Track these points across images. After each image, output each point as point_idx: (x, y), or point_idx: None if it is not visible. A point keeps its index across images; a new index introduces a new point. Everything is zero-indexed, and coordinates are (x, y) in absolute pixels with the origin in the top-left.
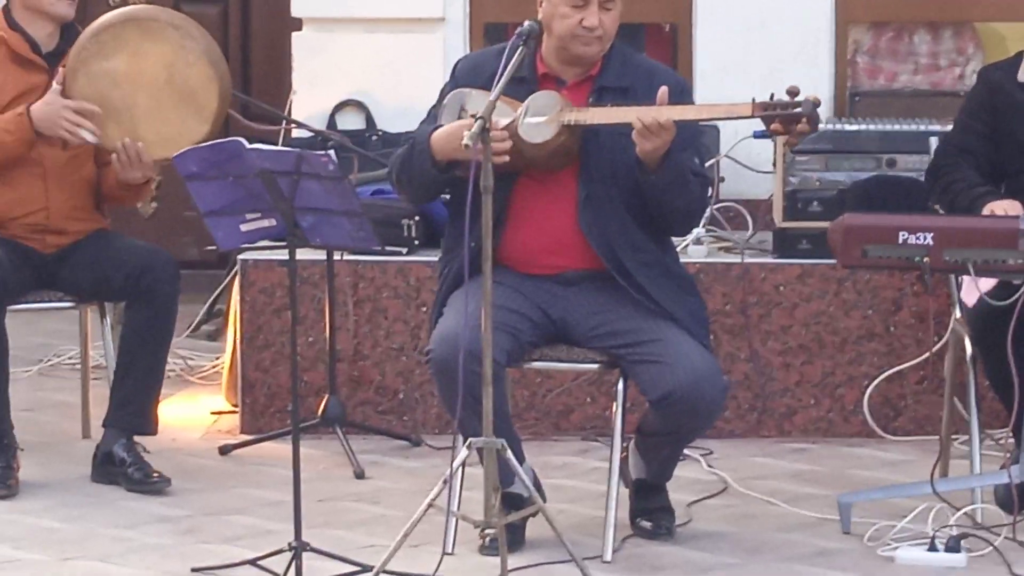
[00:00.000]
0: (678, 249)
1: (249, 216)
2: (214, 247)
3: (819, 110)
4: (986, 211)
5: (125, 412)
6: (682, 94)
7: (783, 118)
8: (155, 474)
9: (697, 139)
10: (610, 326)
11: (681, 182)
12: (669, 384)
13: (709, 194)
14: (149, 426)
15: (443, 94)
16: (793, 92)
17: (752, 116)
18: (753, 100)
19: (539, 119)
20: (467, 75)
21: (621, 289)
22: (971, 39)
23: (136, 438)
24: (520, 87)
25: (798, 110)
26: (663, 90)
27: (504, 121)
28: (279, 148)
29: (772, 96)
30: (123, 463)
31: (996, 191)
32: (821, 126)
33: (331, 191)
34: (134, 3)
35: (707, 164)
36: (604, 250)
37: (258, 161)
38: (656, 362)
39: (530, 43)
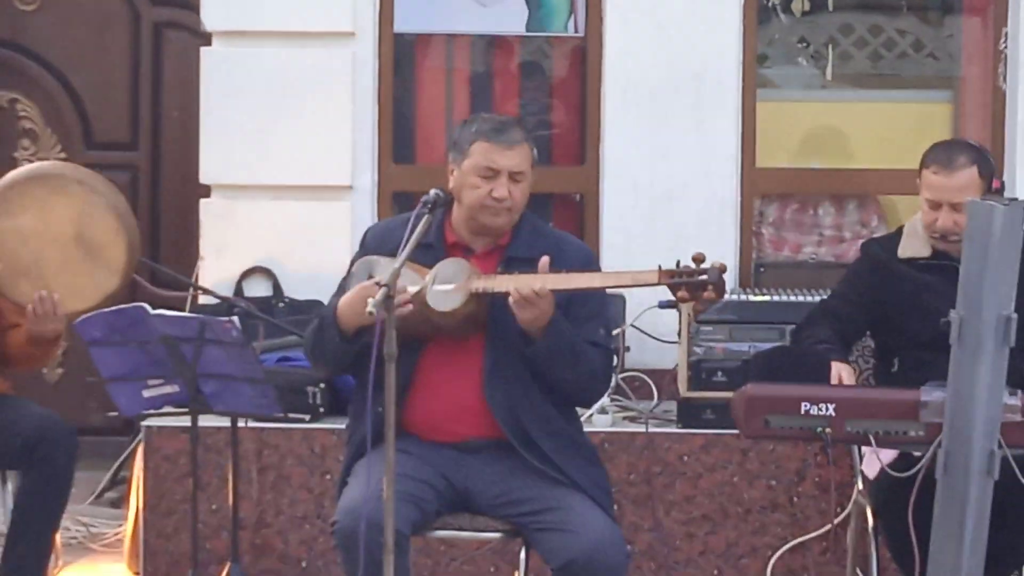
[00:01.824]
0: (583, 418)
1: (151, 382)
2: (117, 413)
3: (724, 278)
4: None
5: None
6: (588, 264)
7: (689, 285)
8: None
9: (603, 310)
10: (513, 494)
11: (567, 352)
12: (571, 551)
13: (614, 365)
14: None
15: (353, 264)
16: (699, 259)
17: (658, 283)
18: (659, 267)
19: (447, 287)
20: (376, 243)
21: (525, 457)
22: (875, 211)
23: None
24: (428, 254)
25: (704, 277)
26: (544, 259)
27: (412, 288)
28: (182, 314)
29: (678, 263)
30: None
31: (838, 350)
32: (725, 297)
33: (234, 357)
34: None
35: (613, 334)
36: (508, 421)
37: (161, 327)
38: (558, 530)
39: (436, 211)
